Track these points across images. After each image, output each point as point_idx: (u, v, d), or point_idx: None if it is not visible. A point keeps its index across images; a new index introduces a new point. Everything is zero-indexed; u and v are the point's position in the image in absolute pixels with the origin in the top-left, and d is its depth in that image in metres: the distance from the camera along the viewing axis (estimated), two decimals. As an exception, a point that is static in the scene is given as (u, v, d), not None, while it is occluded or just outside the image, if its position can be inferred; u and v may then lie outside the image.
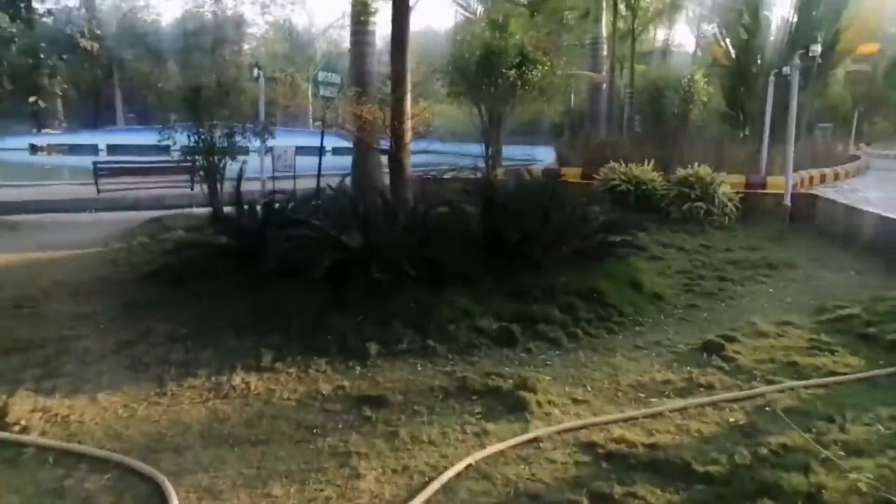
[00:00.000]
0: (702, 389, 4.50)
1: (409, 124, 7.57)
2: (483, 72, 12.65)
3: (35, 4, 11.38)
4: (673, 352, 5.28)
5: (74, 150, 38.98)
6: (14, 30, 11.81)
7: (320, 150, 13.31)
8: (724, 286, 7.30)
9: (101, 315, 6.00)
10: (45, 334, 5.47)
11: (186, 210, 13.82)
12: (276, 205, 7.66)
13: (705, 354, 5.13)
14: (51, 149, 38.62)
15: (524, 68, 12.66)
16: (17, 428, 3.84)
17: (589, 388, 4.55)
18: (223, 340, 5.23)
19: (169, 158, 14.14)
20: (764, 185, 12.67)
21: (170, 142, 11.24)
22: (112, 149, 37.86)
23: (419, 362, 4.94)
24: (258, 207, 7.63)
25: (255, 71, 12.88)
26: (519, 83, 12.72)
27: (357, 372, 4.77)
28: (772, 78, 14.26)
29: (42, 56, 12.69)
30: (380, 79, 15.18)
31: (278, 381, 4.57)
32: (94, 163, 15.41)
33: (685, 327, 5.96)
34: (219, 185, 11.52)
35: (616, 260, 7.06)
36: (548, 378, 4.64)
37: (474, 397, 4.34)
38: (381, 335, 5.25)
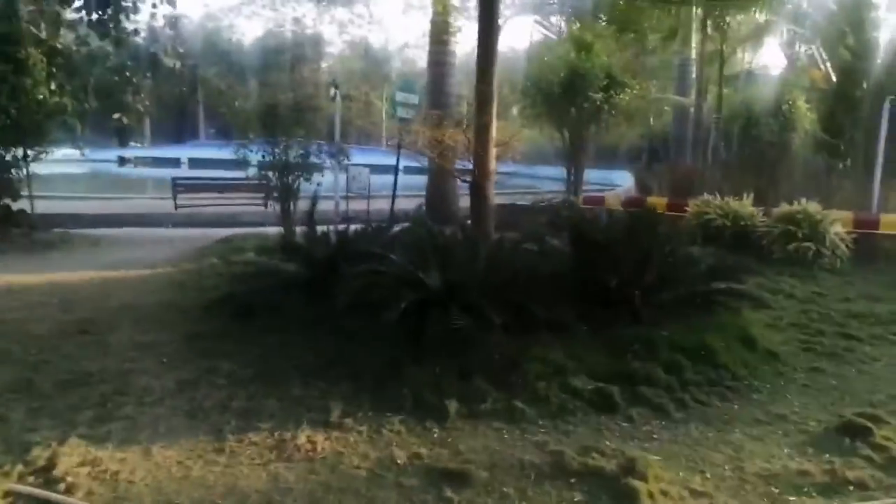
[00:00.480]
0: (851, 488, 3.70)
1: (493, 151, 7.02)
2: (567, 94, 12.02)
3: (123, 24, 11.43)
4: (803, 431, 4.47)
5: (159, 162, 40.60)
6: (102, 49, 12.01)
7: (395, 172, 12.98)
8: (851, 345, 6.36)
9: (165, 346, 5.67)
10: (105, 365, 5.16)
11: (259, 229, 13.75)
12: (350, 233, 7.28)
13: (847, 439, 4.29)
14: (137, 161, 40.31)
15: (611, 91, 11.95)
16: (62, 486, 3.45)
17: (708, 476, 3.81)
18: (289, 387, 4.77)
19: (244, 175, 14.15)
20: (877, 225, 11.45)
21: (244, 158, 11.16)
22: (193, 162, 39.18)
23: (505, 428, 4.33)
24: (331, 234, 7.26)
25: (332, 90, 12.69)
26: (605, 106, 12.01)
27: (435, 435, 4.20)
28: (887, 104, 13.01)
29: (128, 74, 12.85)
30: (457, 100, 14.84)
31: (347, 442, 4.05)
32: (173, 178, 15.61)
33: (812, 397, 5.11)
34: (292, 205, 11.33)
35: (723, 310, 6.25)
36: (657, 459, 3.93)
37: (572, 480, 3.68)
38: (461, 391, 4.67)
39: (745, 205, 10.98)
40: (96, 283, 7.99)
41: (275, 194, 11.27)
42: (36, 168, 12.46)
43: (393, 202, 12.98)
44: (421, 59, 58.15)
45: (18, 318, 6.39)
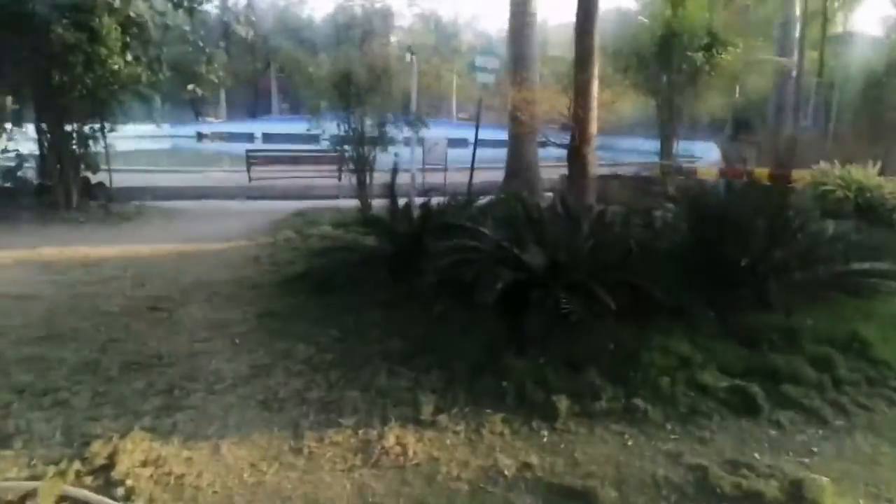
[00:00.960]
0: None
1: (595, 113, 6.22)
2: (662, 55, 10.95)
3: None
4: None
5: (234, 137, 41.16)
6: (175, 18, 11.76)
7: (475, 143, 12.29)
8: None
9: (237, 326, 5.23)
10: (174, 348, 4.75)
11: (333, 202, 13.38)
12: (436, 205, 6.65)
13: None
14: (213, 136, 41.07)
15: (714, 50, 10.80)
16: (121, 490, 3.01)
17: (897, 506, 3.02)
18: (372, 376, 4.21)
19: (318, 148, 13.77)
20: None
21: (319, 131, 10.71)
22: (266, 137, 39.54)
23: (627, 432, 3.63)
24: (412, 207, 6.67)
25: (408, 56, 12.04)
26: (706, 68, 10.88)
27: (545, 439, 3.55)
28: None
29: (200, 44, 12.60)
30: (539, 64, 13.94)
31: (443, 445, 3.46)
32: (247, 151, 15.43)
33: None
34: (368, 177, 10.84)
35: (870, 295, 5.29)
36: (827, 480, 3.16)
37: (724, 505, 2.98)
38: (571, 386, 3.99)
39: (870, 174, 9.72)
40: (170, 256, 7.71)
41: (350, 166, 10.75)
42: (118, 144, 12.46)
43: (472, 173, 12.31)
44: (491, 30, 57.12)
45: (91, 293, 6.12)
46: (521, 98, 7.89)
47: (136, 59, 11.35)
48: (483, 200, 7.05)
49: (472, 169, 12.31)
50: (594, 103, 6.24)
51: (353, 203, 11.40)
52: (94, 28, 9.48)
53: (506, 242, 4.95)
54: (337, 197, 14.45)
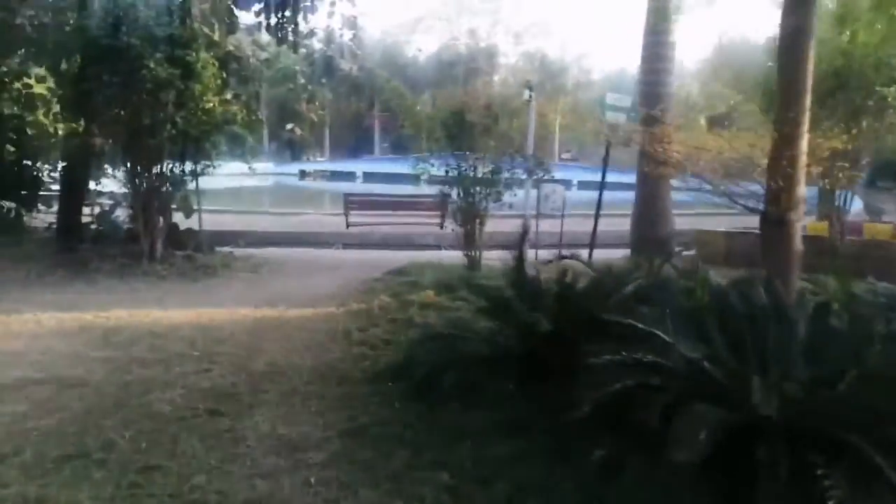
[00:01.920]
0: None
1: (804, 167, 4.53)
2: (839, 89, 8.99)
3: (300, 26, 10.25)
4: None
5: (335, 176, 41.59)
6: (277, 54, 11.02)
7: (601, 188, 10.69)
8: None
9: (314, 451, 3.83)
10: (227, 487, 3.41)
11: (435, 253, 12.10)
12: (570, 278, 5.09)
13: None
14: (315, 175, 41.59)
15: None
16: None
17: None
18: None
19: (418, 192, 12.61)
20: None
21: (423, 172, 9.48)
22: (367, 176, 39.63)
23: None
24: (539, 280, 5.14)
25: (527, 93, 10.67)
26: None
27: None
28: None
29: (303, 81, 11.80)
30: (675, 102, 12.26)
31: None
32: (345, 195, 14.52)
33: None
34: (478, 228, 9.43)
35: None
36: None
37: None
38: None
39: None
40: (248, 326, 6.54)
41: (456, 214, 9.41)
42: (217, 181, 11.78)
43: (596, 223, 10.69)
44: (594, 69, 55.39)
45: (146, 379, 4.97)
46: (666, 138, 6.31)
47: (236, 96, 10.64)
48: (621, 262, 5.45)
49: (597, 217, 10.69)
50: (803, 155, 4.54)
51: (457, 255, 10.00)
52: (189, 63, 8.74)
53: (706, 362, 3.31)
54: (439, 247, 13.19)
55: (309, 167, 39.58)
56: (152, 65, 8.27)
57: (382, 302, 7.30)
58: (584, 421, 3.41)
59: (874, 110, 8.88)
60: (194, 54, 8.80)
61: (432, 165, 9.32)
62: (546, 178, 9.55)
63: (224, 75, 9.60)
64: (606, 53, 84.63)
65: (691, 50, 62.05)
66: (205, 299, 7.68)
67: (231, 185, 21.57)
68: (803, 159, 4.55)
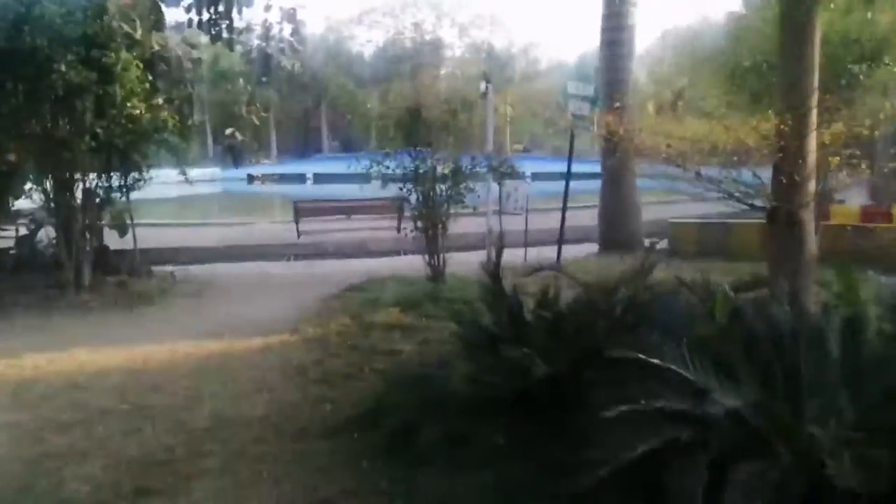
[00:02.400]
0: None
1: (814, 161, 3.98)
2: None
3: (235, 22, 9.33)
4: None
5: (285, 179, 40.21)
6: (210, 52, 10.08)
7: (566, 181, 10.12)
8: None
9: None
10: None
11: (395, 261, 11.39)
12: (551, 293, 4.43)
13: None
14: (264, 178, 40.09)
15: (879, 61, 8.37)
16: None
17: None
18: None
19: (375, 197, 11.82)
20: None
21: (377, 173, 8.68)
22: (318, 177, 38.40)
23: None
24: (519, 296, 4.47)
25: (483, 85, 9.99)
26: (867, 82, 8.46)
27: None
28: None
29: (241, 81, 10.91)
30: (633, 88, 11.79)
31: None
32: (295, 202, 13.63)
33: None
34: (439, 231, 8.69)
35: None
36: None
37: None
38: None
39: None
40: (188, 366, 5.69)
41: (416, 218, 8.66)
42: (157, 190, 10.76)
43: (563, 219, 10.11)
44: (540, 60, 55.10)
45: (62, 451, 4.10)
46: (627, 126, 5.73)
47: (169, 100, 9.65)
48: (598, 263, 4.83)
49: (564, 212, 10.11)
50: (812, 146, 3.98)
51: (417, 262, 9.24)
52: (106, 65, 7.75)
53: (748, 410, 2.68)
54: (399, 253, 12.45)
55: (257, 170, 38.18)
56: (63, 68, 7.27)
57: (340, 325, 6.54)
58: (600, 488, 2.77)
59: (845, 87, 8.48)
60: (113, 55, 7.80)
61: (387, 167, 8.53)
62: (509, 173, 8.87)
63: (150, 78, 8.60)
64: (553, 43, 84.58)
65: (647, 33, 62.26)
66: (139, 334, 6.76)
67: (174, 193, 20.35)
68: (813, 151, 4.01)
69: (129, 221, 9.70)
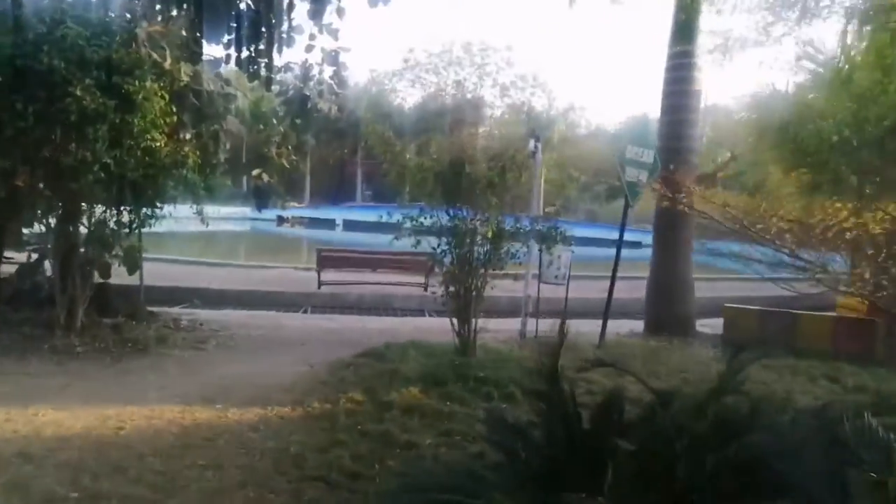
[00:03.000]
0: None
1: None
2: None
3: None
4: None
5: (314, 223, 39.97)
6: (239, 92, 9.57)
7: (617, 252, 9.22)
8: None
9: None
10: None
11: (418, 321, 10.54)
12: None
13: None
14: (294, 221, 39.90)
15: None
16: None
17: None
18: None
19: (404, 251, 11.02)
20: None
21: (411, 226, 7.85)
22: (348, 224, 38.06)
23: None
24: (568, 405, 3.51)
25: (532, 143, 9.24)
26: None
27: None
28: None
29: (274, 121, 10.37)
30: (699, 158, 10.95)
31: None
32: (318, 250, 12.89)
33: None
34: (474, 298, 7.76)
35: None
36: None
37: None
38: None
39: None
40: (166, 439, 4.78)
41: (446, 277, 7.77)
42: (183, 225, 10.16)
43: (610, 295, 9.16)
44: (579, 124, 54.89)
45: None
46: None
47: (198, 136, 9.09)
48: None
49: (613, 284, 9.16)
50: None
51: (443, 325, 8.30)
52: (128, 93, 7.16)
53: None
54: (423, 312, 11.58)
55: (287, 213, 38.02)
56: (79, 92, 6.68)
57: (351, 402, 5.60)
58: None
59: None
60: (136, 83, 7.23)
61: (422, 223, 7.73)
62: (558, 239, 7.99)
63: (175, 110, 8.01)
64: (595, 107, 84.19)
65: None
66: (119, 391, 5.89)
67: (200, 229, 19.90)
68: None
69: (139, 257, 9.02)
